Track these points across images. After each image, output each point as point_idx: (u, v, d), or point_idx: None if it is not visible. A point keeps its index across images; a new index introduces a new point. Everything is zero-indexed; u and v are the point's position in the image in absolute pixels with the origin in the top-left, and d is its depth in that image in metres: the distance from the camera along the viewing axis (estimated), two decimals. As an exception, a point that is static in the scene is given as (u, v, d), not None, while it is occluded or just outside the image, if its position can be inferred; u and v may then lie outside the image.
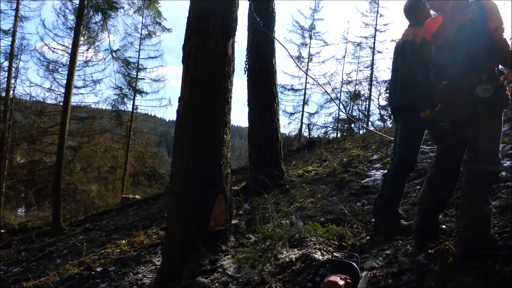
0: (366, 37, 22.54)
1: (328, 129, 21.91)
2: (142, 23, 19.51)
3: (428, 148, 5.01)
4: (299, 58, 21.84)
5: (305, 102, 22.13)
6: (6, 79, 16.75)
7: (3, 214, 13.81)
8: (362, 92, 22.18)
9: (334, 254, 2.53)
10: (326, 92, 21.91)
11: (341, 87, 22.47)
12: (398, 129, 3.05)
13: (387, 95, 18.23)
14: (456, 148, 2.36)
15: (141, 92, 19.75)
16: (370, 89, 22.02)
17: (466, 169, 2.20)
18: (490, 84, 2.09)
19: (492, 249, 1.98)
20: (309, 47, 22.36)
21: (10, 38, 16.72)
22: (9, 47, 16.81)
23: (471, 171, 2.13)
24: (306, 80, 21.97)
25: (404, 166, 2.94)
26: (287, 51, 5.85)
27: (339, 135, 20.74)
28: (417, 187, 3.95)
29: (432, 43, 2.54)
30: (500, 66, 2.23)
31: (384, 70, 23.54)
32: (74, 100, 17.18)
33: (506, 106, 2.18)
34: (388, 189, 2.93)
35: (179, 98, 3.32)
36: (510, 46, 2.15)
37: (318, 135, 19.52)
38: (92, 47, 16.71)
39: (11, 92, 17.25)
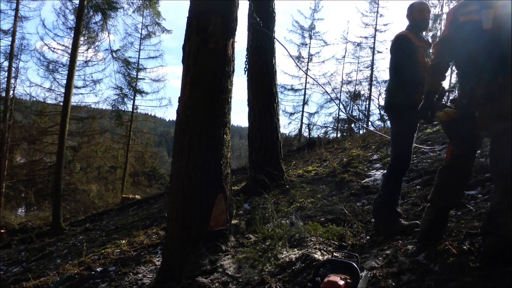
0: (366, 37, 22.57)
1: (328, 129, 21.92)
2: (142, 23, 19.53)
3: (428, 148, 5.00)
4: (299, 58, 21.84)
5: (305, 102, 22.15)
6: (6, 79, 16.76)
7: (3, 214, 13.81)
8: (362, 92, 22.20)
9: (334, 254, 2.53)
10: (326, 92, 21.92)
11: (341, 87, 22.51)
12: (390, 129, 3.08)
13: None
14: (472, 152, 2.34)
15: (141, 92, 19.76)
16: (370, 89, 22.03)
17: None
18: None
19: None
20: (309, 47, 22.37)
21: (10, 38, 16.73)
22: (9, 47, 16.83)
23: None
24: (306, 80, 21.99)
25: (399, 165, 2.95)
26: (287, 51, 5.86)
27: (339, 135, 20.73)
28: (417, 187, 3.95)
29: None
30: None
31: (384, 70, 23.48)
32: (74, 100, 17.20)
33: None
34: (385, 189, 2.94)
35: (179, 98, 3.32)
36: None
37: (318, 135, 19.49)
38: (92, 47, 16.75)
39: (11, 92, 17.26)
